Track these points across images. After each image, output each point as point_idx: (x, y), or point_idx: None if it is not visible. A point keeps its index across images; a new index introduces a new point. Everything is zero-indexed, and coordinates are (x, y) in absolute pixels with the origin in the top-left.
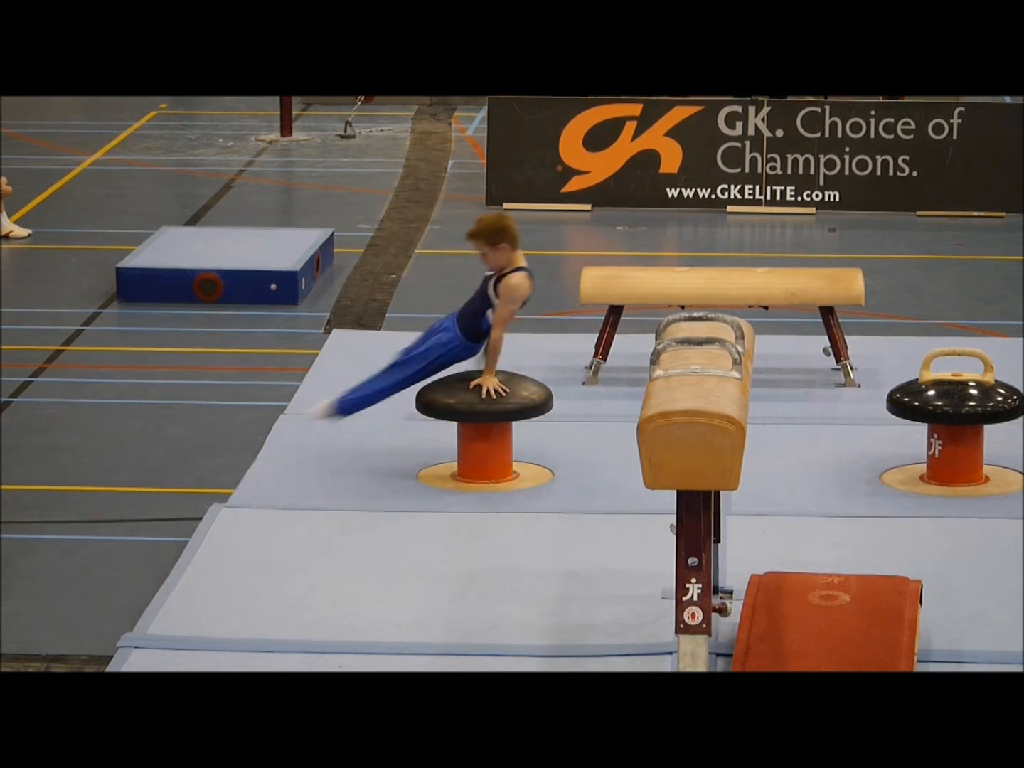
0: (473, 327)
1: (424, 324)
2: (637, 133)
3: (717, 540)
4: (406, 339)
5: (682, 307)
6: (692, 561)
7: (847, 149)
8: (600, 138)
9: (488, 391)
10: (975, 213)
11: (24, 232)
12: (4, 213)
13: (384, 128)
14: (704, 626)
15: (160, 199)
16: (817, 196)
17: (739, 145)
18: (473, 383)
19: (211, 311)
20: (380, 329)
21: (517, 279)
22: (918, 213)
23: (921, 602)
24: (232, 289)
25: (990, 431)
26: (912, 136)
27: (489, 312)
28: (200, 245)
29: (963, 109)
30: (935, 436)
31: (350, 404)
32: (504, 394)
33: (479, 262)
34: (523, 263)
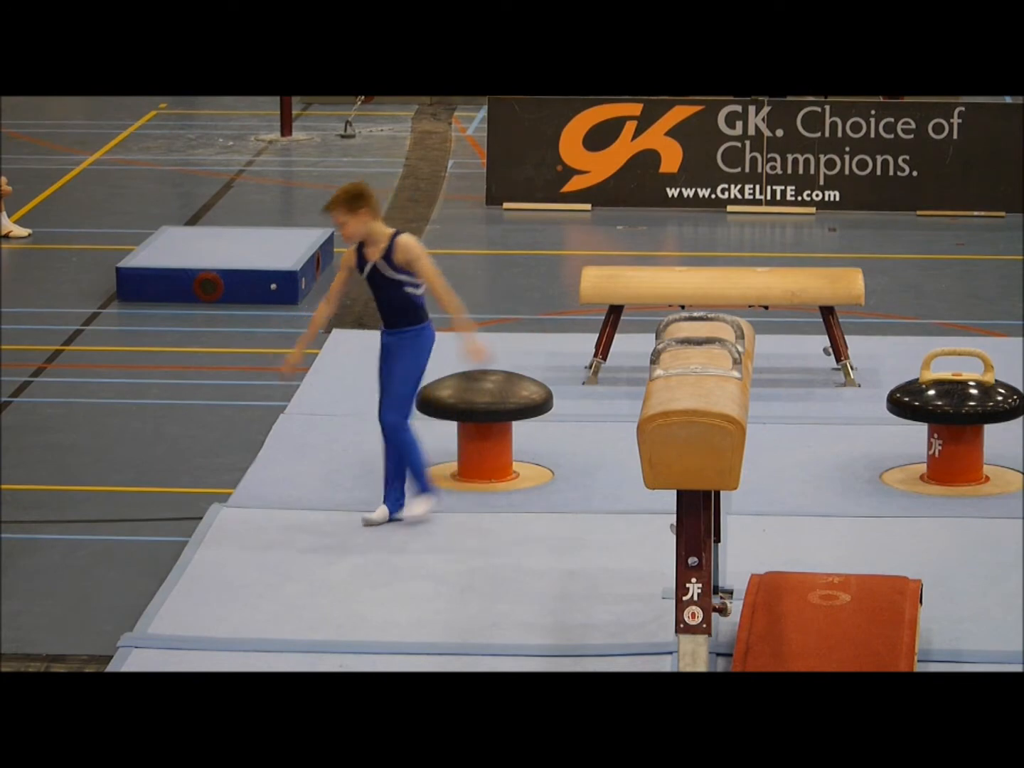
0: (408, 311)
1: None
2: (637, 133)
3: (717, 540)
4: None
5: (682, 307)
6: (692, 561)
7: (847, 149)
8: (600, 138)
9: (480, 352)
10: (975, 213)
11: (24, 232)
12: (4, 213)
13: (384, 128)
14: (704, 626)
15: (160, 199)
16: (817, 196)
17: (739, 145)
18: (467, 348)
19: (211, 311)
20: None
21: (409, 238)
22: (918, 213)
23: (921, 602)
24: (232, 289)
25: (990, 431)
26: (912, 136)
27: (409, 287)
28: (200, 245)
29: (963, 109)
30: (935, 436)
31: (422, 478)
32: (488, 355)
33: (478, 260)
34: (390, 230)
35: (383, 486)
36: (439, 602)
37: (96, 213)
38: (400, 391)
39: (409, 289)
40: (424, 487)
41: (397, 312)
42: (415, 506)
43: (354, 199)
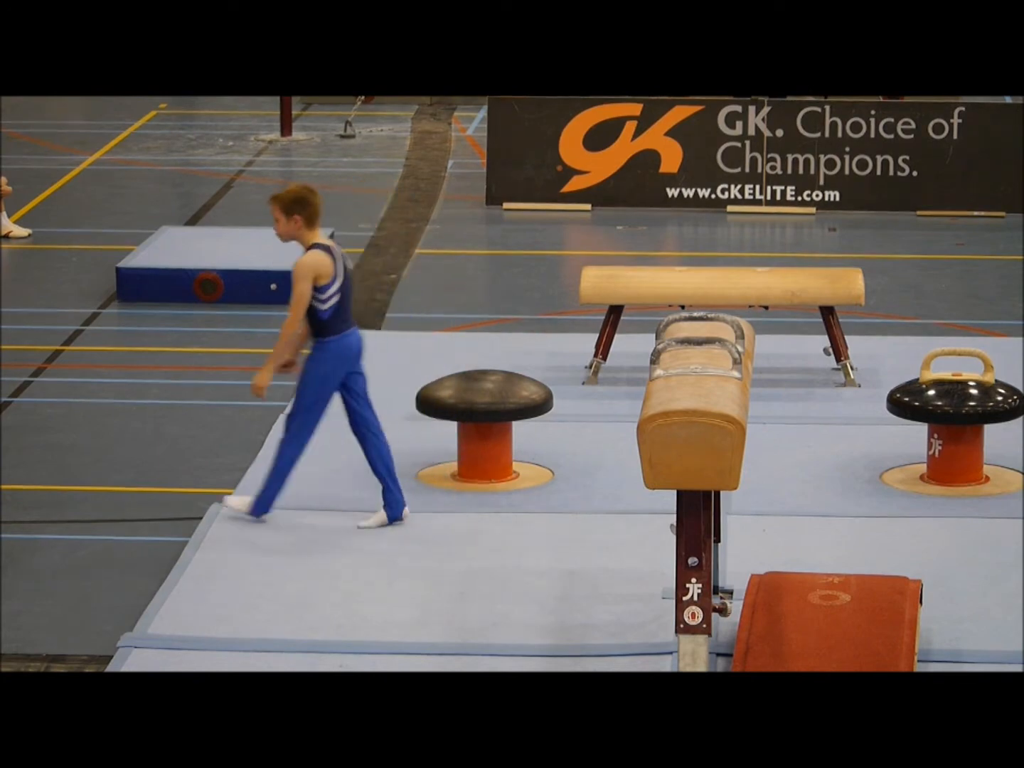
0: (313, 324)
1: (424, 324)
2: (637, 133)
3: (717, 540)
4: (406, 339)
5: (682, 307)
6: (692, 561)
7: (847, 149)
8: (600, 138)
9: (256, 388)
10: (975, 213)
11: (24, 232)
12: (4, 213)
13: (384, 128)
14: (704, 626)
15: (160, 199)
16: (817, 196)
17: (739, 145)
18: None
19: (211, 311)
20: (380, 329)
21: (304, 258)
22: (918, 213)
23: (921, 602)
24: (232, 289)
25: (990, 431)
26: (912, 136)
27: (314, 301)
28: (200, 245)
29: (963, 109)
30: (935, 436)
31: (267, 500)
32: (262, 397)
33: (478, 260)
34: (322, 241)
35: (381, 491)
36: (439, 602)
37: (96, 213)
38: (301, 401)
39: (314, 303)
40: (263, 496)
41: (309, 323)
42: (236, 500)
43: (292, 203)
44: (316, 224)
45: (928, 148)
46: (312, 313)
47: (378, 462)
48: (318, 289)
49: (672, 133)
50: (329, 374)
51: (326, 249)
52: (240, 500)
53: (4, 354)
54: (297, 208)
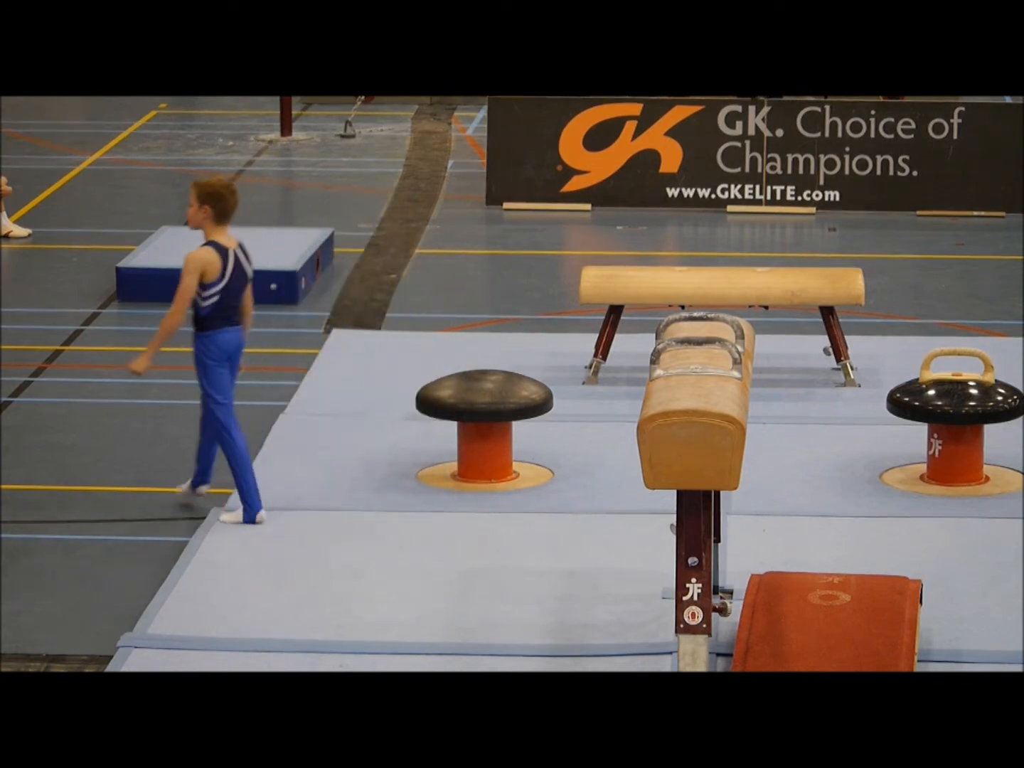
0: (195, 318)
1: (423, 324)
2: (637, 133)
3: (717, 540)
4: (406, 339)
5: (682, 307)
6: (692, 561)
7: (847, 149)
8: (600, 138)
9: (135, 368)
10: (975, 213)
11: (24, 232)
12: (4, 213)
13: (384, 128)
14: (704, 626)
15: (160, 199)
16: (817, 196)
17: (739, 145)
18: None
19: None
20: (380, 329)
21: (194, 253)
22: (918, 213)
23: (921, 602)
24: None
25: (990, 431)
26: (912, 136)
27: (198, 297)
28: None
29: (963, 109)
30: (935, 436)
31: (250, 503)
32: (140, 373)
33: (478, 260)
34: (220, 239)
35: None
36: (439, 602)
37: (96, 213)
38: (206, 396)
39: (196, 297)
40: (246, 504)
41: (192, 314)
42: (229, 515)
43: (207, 195)
44: (225, 221)
45: (928, 148)
46: (193, 306)
47: (206, 454)
48: (202, 285)
49: (672, 133)
50: (213, 364)
51: (219, 248)
52: (233, 515)
53: (4, 354)
54: (210, 201)
